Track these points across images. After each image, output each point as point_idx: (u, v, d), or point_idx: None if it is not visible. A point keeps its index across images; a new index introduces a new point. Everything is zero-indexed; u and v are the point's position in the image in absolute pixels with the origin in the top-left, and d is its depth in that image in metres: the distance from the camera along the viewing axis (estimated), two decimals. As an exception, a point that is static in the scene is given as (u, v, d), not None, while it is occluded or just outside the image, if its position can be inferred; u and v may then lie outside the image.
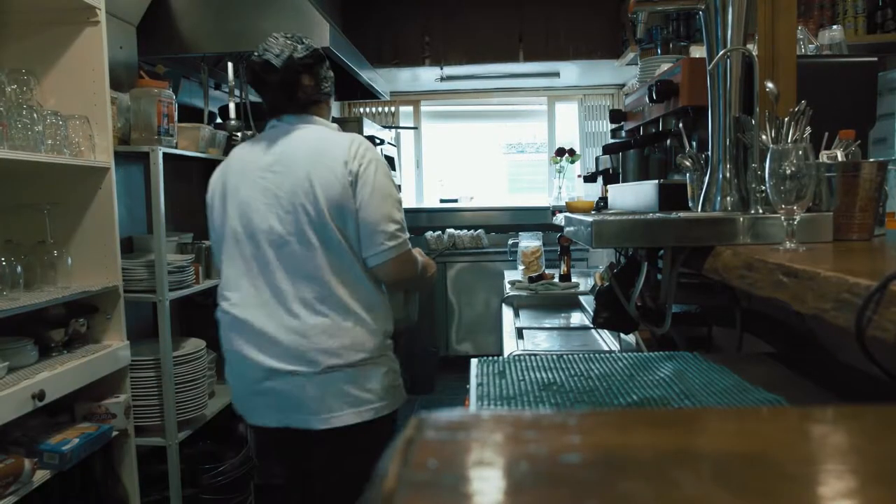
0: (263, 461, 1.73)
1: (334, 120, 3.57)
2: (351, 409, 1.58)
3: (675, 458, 0.36)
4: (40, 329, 1.81)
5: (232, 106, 2.79)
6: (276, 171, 1.61)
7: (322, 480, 1.68)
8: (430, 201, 5.75)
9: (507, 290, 3.38)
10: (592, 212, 2.89)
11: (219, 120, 3.08)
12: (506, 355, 1.52)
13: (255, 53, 1.65)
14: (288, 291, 1.57)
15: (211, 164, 3.14)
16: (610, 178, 2.84)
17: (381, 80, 3.86)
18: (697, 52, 3.67)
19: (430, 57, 4.89)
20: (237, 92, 2.82)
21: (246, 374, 1.61)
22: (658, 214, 1.56)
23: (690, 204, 1.54)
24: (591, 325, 2.63)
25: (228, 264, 1.64)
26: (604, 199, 3.03)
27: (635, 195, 2.07)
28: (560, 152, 5.36)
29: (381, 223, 1.59)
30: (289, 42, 1.65)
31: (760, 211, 1.30)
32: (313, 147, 1.62)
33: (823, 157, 1.27)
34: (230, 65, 2.75)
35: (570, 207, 3.46)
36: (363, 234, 1.59)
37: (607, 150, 2.53)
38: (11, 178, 1.93)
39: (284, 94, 1.67)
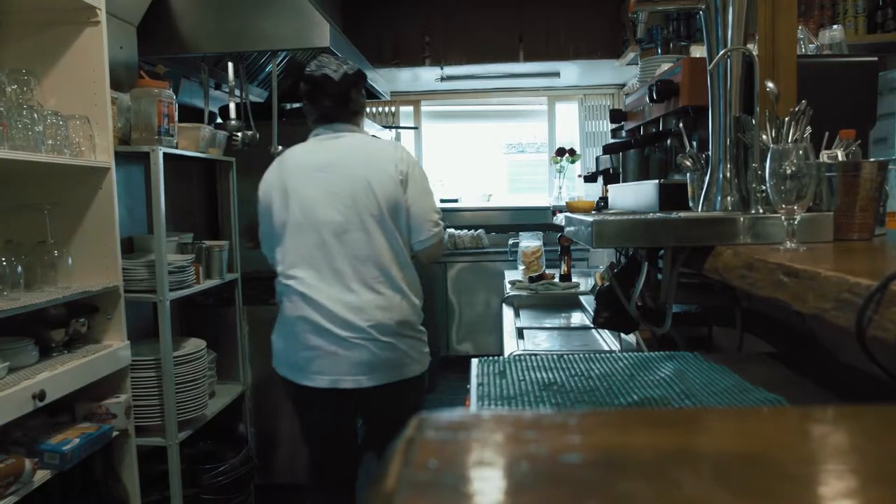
0: (304, 418, 2.03)
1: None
2: (395, 370, 1.90)
3: (675, 458, 0.36)
4: (41, 329, 1.81)
5: (232, 106, 2.79)
6: (332, 171, 1.91)
7: (369, 428, 2.11)
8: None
9: (508, 290, 3.38)
10: (593, 212, 2.89)
11: (219, 120, 3.09)
12: (506, 355, 1.52)
13: (310, 69, 1.96)
14: (346, 272, 1.86)
15: (211, 164, 3.16)
16: (610, 177, 2.84)
17: (382, 80, 3.87)
18: (698, 51, 3.66)
19: (430, 57, 4.89)
20: (237, 92, 2.82)
21: (307, 342, 1.87)
22: (658, 214, 1.56)
23: (691, 204, 1.54)
24: (592, 325, 2.63)
25: (292, 250, 1.90)
26: (604, 198, 3.03)
27: (636, 195, 2.07)
28: (560, 152, 5.36)
29: (428, 214, 1.96)
30: (339, 61, 1.98)
31: (761, 211, 1.30)
32: (365, 152, 1.95)
33: (824, 156, 1.27)
34: (230, 65, 2.75)
35: (570, 207, 3.46)
36: (413, 224, 1.94)
37: (607, 149, 2.53)
38: (12, 178, 1.93)
39: (338, 105, 1.97)
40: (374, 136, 2.04)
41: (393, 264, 1.89)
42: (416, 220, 1.94)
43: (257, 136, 2.86)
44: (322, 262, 1.87)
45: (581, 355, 1.20)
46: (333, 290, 1.86)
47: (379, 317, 1.86)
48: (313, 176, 1.92)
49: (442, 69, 4.97)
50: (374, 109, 5.60)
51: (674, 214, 1.45)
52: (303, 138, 3.33)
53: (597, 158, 3.62)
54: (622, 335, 2.17)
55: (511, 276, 3.76)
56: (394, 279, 1.89)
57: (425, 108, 5.81)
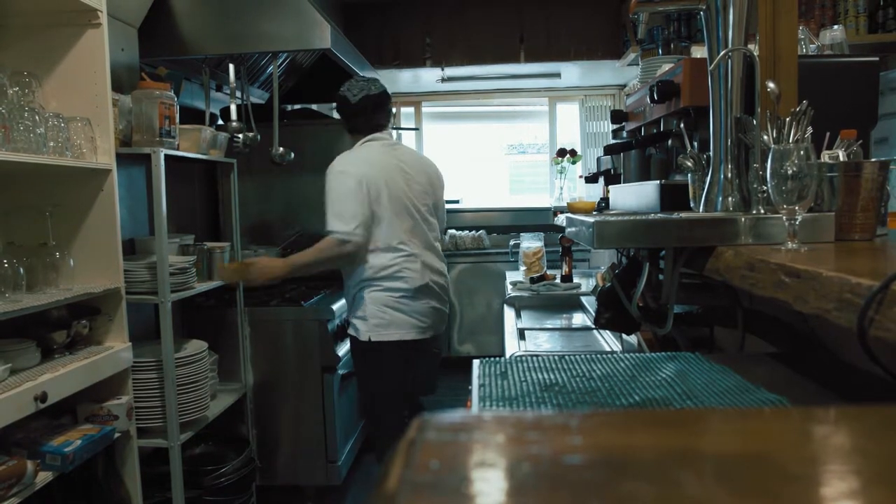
0: (405, 370, 2.49)
1: (335, 121, 3.58)
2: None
3: (677, 458, 0.36)
4: (42, 331, 1.81)
5: (233, 107, 2.79)
6: (409, 171, 2.46)
7: (419, 371, 2.56)
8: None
9: (509, 291, 3.38)
10: (594, 212, 2.89)
11: (220, 121, 3.09)
12: (507, 356, 1.52)
13: (372, 89, 2.47)
14: (432, 246, 2.51)
15: (212, 166, 3.16)
16: (611, 178, 2.84)
17: (382, 81, 3.86)
18: (698, 52, 3.66)
19: (430, 58, 4.89)
20: (238, 93, 2.82)
21: (429, 302, 2.45)
22: (660, 215, 1.56)
23: (692, 204, 1.54)
24: (593, 326, 2.63)
25: (398, 230, 2.40)
26: (605, 199, 3.03)
27: (637, 196, 2.07)
28: (561, 153, 5.36)
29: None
30: (371, 80, 2.56)
31: (762, 211, 1.30)
32: (419, 157, 2.64)
33: (825, 157, 1.27)
34: (231, 66, 2.75)
35: (571, 208, 3.46)
36: (440, 216, 2.61)
37: (608, 150, 2.53)
38: (14, 180, 1.93)
39: (387, 116, 2.54)
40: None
41: (439, 242, 2.58)
42: (442, 213, 2.65)
43: (258, 137, 2.86)
44: (417, 238, 2.44)
45: (582, 356, 1.20)
46: (432, 257, 2.48)
47: (444, 281, 2.54)
48: (399, 172, 2.44)
49: (443, 70, 4.97)
50: (374, 111, 5.59)
51: (675, 215, 1.45)
52: (303, 139, 3.32)
53: (598, 159, 3.62)
54: (623, 336, 2.17)
55: (512, 276, 3.76)
56: (441, 253, 2.58)
57: (426, 109, 5.81)
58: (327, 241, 2.35)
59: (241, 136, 2.79)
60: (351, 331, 2.45)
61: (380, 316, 2.37)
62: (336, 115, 2.73)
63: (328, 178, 2.40)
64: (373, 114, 2.45)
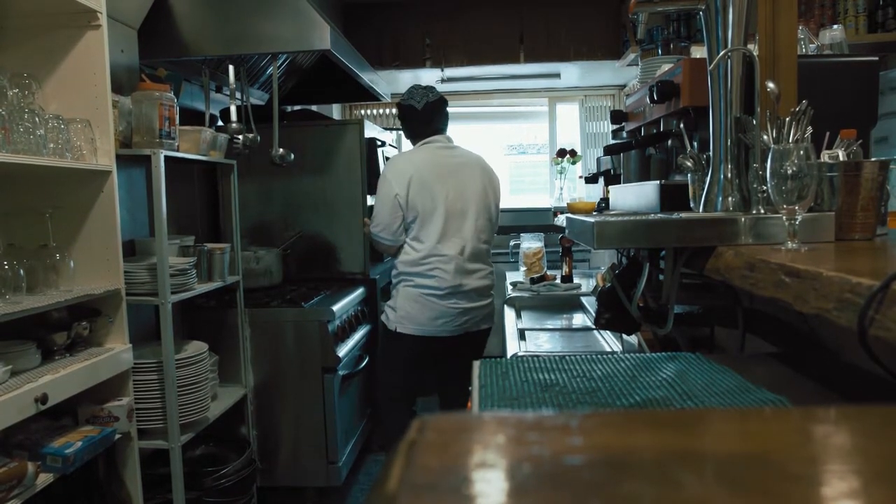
0: (423, 364, 2.69)
1: (335, 122, 3.60)
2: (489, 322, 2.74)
3: (677, 459, 0.36)
4: (43, 332, 1.81)
5: (233, 109, 2.79)
6: (462, 172, 2.65)
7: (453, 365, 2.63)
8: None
9: (509, 292, 3.38)
10: (594, 213, 2.89)
11: (220, 123, 3.09)
12: (508, 357, 1.52)
13: (430, 96, 2.68)
14: (476, 248, 2.60)
15: (212, 167, 3.16)
16: (611, 178, 2.84)
17: (382, 81, 3.87)
18: (698, 52, 3.66)
19: (430, 58, 4.89)
20: (238, 95, 2.82)
21: (457, 304, 2.57)
22: (660, 215, 1.56)
23: (692, 204, 1.54)
24: (593, 326, 2.63)
25: (436, 229, 2.54)
26: (605, 199, 3.03)
27: (637, 196, 2.07)
28: (561, 153, 5.36)
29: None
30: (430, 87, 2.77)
31: (762, 211, 1.30)
32: (475, 160, 2.78)
33: (825, 156, 1.27)
34: (231, 68, 2.75)
35: (571, 208, 3.46)
36: (494, 217, 2.74)
37: (608, 150, 2.53)
38: (14, 181, 1.93)
39: (446, 120, 2.76)
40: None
41: (490, 245, 2.72)
42: (496, 214, 2.77)
43: (258, 138, 2.86)
44: (457, 239, 2.57)
45: (583, 356, 1.20)
46: (472, 262, 2.59)
47: (487, 281, 2.66)
48: (451, 174, 2.61)
49: (442, 71, 4.97)
50: (374, 111, 5.60)
51: (675, 215, 1.45)
52: (303, 140, 3.33)
53: (598, 159, 3.62)
54: (624, 336, 2.17)
55: (512, 277, 3.76)
56: (490, 255, 2.72)
57: (426, 109, 5.81)
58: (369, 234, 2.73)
59: (241, 137, 2.79)
60: (383, 317, 2.73)
61: (407, 309, 2.57)
62: (397, 123, 2.97)
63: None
64: (434, 118, 2.69)
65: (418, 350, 2.61)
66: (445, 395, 2.90)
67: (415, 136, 2.74)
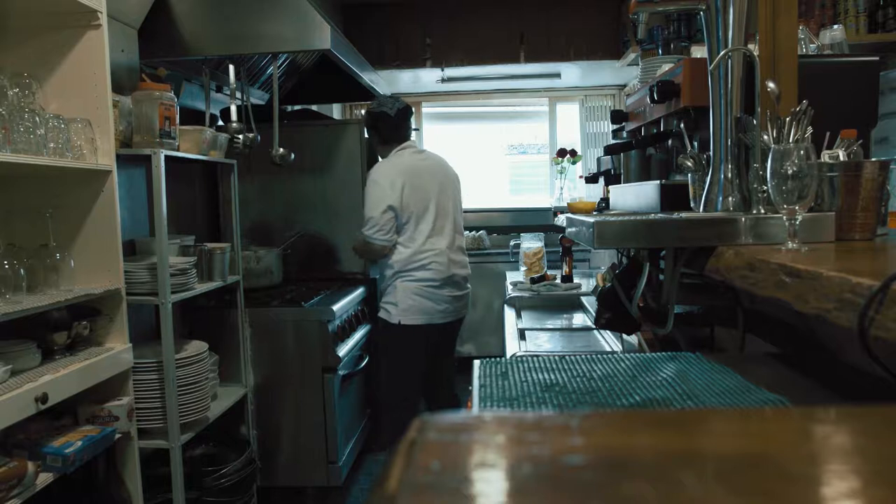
0: (426, 351, 2.84)
1: (336, 122, 3.61)
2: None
3: (678, 459, 0.36)
4: (43, 332, 1.81)
5: (233, 108, 2.79)
6: (437, 174, 2.86)
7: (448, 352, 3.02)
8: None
9: (509, 292, 3.38)
10: (594, 213, 2.89)
11: (220, 122, 3.09)
12: (508, 356, 1.52)
13: (398, 104, 2.86)
14: (458, 241, 2.88)
15: (212, 167, 3.16)
16: (611, 178, 2.84)
17: (383, 81, 3.87)
18: (698, 52, 3.66)
19: (430, 58, 4.89)
20: (238, 94, 2.82)
21: (452, 291, 2.82)
22: (660, 215, 1.56)
23: (692, 204, 1.54)
24: (594, 326, 2.63)
25: (427, 227, 2.76)
26: (605, 199, 3.03)
27: (637, 196, 2.07)
28: (561, 153, 5.36)
29: None
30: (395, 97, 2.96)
31: (762, 211, 1.30)
32: (442, 161, 2.98)
33: (825, 156, 1.27)
34: (231, 67, 2.75)
35: (571, 208, 3.46)
36: (461, 213, 2.97)
37: (609, 150, 2.53)
38: (14, 181, 1.93)
39: (410, 126, 2.91)
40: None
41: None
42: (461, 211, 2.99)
43: (258, 138, 2.86)
44: (444, 236, 2.79)
45: (583, 356, 1.20)
46: (456, 253, 2.84)
47: (467, 271, 2.91)
48: (429, 177, 2.82)
49: (443, 70, 4.97)
50: (375, 111, 5.59)
51: (675, 215, 1.45)
52: (303, 139, 3.33)
53: (598, 159, 3.61)
54: (624, 336, 2.17)
55: (513, 277, 3.77)
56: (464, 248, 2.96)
57: (426, 109, 5.81)
58: (360, 239, 2.81)
59: (241, 136, 2.79)
60: (382, 314, 2.81)
61: (408, 302, 2.73)
62: (366, 130, 3.04)
63: (366, 185, 2.80)
64: (404, 124, 2.87)
65: (421, 339, 2.78)
66: (434, 384, 3.00)
67: (386, 142, 2.87)
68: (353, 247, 2.93)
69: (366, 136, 3.27)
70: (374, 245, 2.75)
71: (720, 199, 1.42)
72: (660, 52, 3.95)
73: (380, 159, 2.94)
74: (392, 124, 2.84)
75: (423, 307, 2.76)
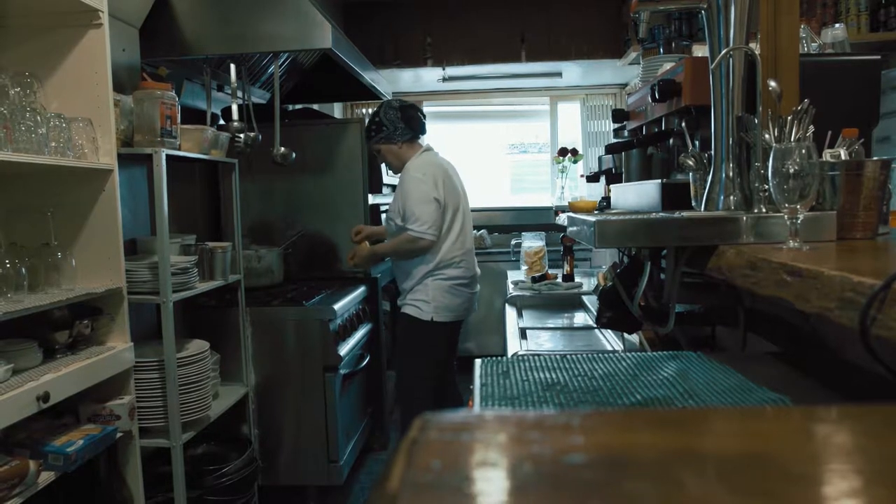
0: (452, 347, 3.01)
1: (337, 121, 3.61)
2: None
3: (679, 458, 0.36)
4: (45, 331, 1.81)
5: (234, 108, 2.79)
6: (455, 177, 2.94)
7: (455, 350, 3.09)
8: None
9: (511, 291, 3.38)
10: (595, 212, 2.89)
11: (221, 122, 3.09)
12: (509, 355, 1.52)
13: (396, 102, 2.90)
14: (473, 241, 2.98)
15: (214, 166, 3.16)
16: (613, 177, 2.84)
17: (384, 80, 3.87)
18: (700, 51, 3.66)
19: (431, 57, 4.89)
20: (240, 94, 2.82)
21: (474, 289, 2.94)
22: (661, 214, 1.56)
23: (693, 203, 1.54)
24: (595, 325, 2.63)
25: (458, 225, 2.85)
26: (607, 198, 3.03)
27: (638, 195, 2.07)
28: (563, 152, 5.36)
29: None
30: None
31: (764, 210, 1.30)
32: (454, 165, 3.02)
33: (827, 155, 1.27)
34: (232, 67, 2.75)
35: (572, 207, 3.46)
36: None
37: (610, 149, 2.53)
38: (15, 180, 1.93)
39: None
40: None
41: None
42: None
43: (259, 137, 2.86)
44: (466, 236, 2.90)
45: (584, 355, 1.20)
46: (474, 255, 2.97)
47: (478, 272, 2.99)
48: (456, 178, 2.95)
49: (444, 70, 4.96)
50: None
51: (676, 214, 1.45)
52: (305, 139, 3.33)
53: (599, 158, 3.61)
54: (625, 335, 2.17)
55: (514, 276, 3.76)
56: None
57: (427, 108, 5.80)
58: (405, 237, 2.75)
59: (242, 136, 2.79)
60: (411, 311, 2.83)
61: (440, 299, 2.80)
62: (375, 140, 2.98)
63: (405, 181, 2.78)
64: (415, 117, 2.90)
65: (448, 335, 2.90)
66: (443, 382, 3.05)
67: (416, 135, 2.92)
68: (392, 250, 2.87)
69: (382, 135, 2.93)
70: (423, 241, 2.72)
71: (721, 198, 1.42)
72: (661, 50, 3.95)
73: (401, 159, 2.90)
74: (418, 115, 2.91)
75: (453, 304, 2.84)
